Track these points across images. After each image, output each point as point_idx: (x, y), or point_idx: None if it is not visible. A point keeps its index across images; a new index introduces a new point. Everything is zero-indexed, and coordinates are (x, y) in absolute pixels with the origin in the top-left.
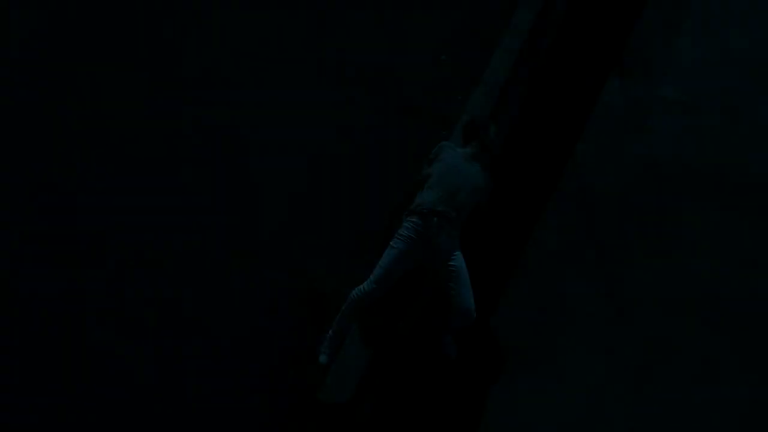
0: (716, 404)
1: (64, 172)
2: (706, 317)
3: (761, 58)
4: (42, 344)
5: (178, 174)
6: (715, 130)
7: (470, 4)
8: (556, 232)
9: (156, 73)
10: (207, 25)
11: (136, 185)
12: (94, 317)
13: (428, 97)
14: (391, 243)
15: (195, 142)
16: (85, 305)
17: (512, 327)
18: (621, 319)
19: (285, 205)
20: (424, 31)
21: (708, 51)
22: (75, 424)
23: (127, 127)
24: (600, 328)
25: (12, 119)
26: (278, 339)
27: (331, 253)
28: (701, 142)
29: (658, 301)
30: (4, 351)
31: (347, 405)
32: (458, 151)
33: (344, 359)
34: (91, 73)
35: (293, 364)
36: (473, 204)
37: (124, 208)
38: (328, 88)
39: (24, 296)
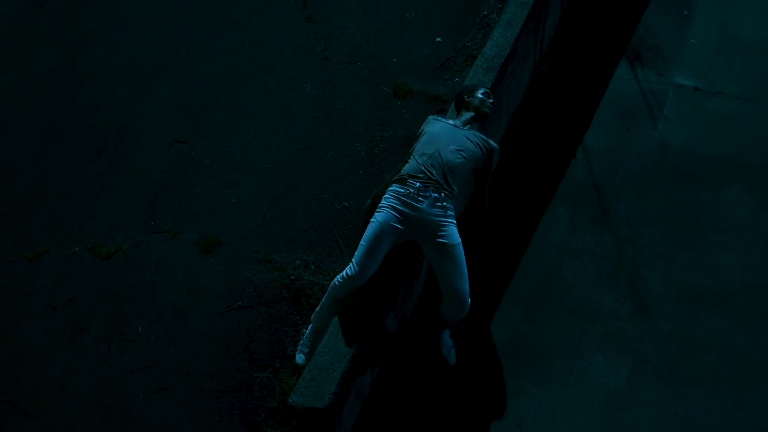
0: (752, 409)
1: None
2: (739, 312)
3: None
4: None
5: (156, 160)
6: (735, 117)
7: None
8: (569, 225)
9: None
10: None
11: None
12: (42, 308)
13: (422, 79)
14: (371, 218)
15: (174, 126)
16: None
17: (522, 327)
18: (644, 317)
19: (261, 192)
20: (419, 12)
21: (723, 36)
22: None
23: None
24: (621, 327)
25: None
26: (248, 337)
27: (309, 242)
28: (721, 129)
29: (683, 297)
30: None
31: (324, 410)
32: (447, 122)
33: (322, 357)
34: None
35: (264, 365)
36: (466, 170)
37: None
38: (317, 70)
39: None
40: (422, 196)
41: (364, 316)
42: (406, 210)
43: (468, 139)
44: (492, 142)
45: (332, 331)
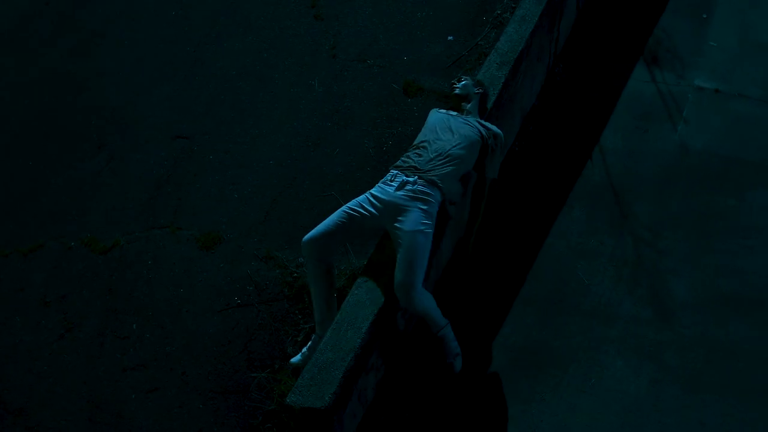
0: None
1: None
2: (765, 318)
3: None
4: None
5: (158, 156)
6: (757, 119)
7: None
8: (585, 226)
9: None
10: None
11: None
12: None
13: (433, 77)
14: None
15: (177, 122)
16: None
17: (535, 331)
18: (666, 322)
19: (264, 188)
20: (431, 11)
21: (743, 39)
22: None
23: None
24: (641, 332)
25: None
26: (247, 336)
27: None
28: (743, 132)
29: (708, 302)
30: None
31: (324, 411)
32: (449, 112)
33: (323, 355)
34: None
35: (263, 365)
36: (461, 155)
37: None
38: (325, 67)
39: None
40: (395, 180)
41: (370, 311)
42: (378, 193)
43: (465, 123)
44: (494, 128)
45: (334, 327)
